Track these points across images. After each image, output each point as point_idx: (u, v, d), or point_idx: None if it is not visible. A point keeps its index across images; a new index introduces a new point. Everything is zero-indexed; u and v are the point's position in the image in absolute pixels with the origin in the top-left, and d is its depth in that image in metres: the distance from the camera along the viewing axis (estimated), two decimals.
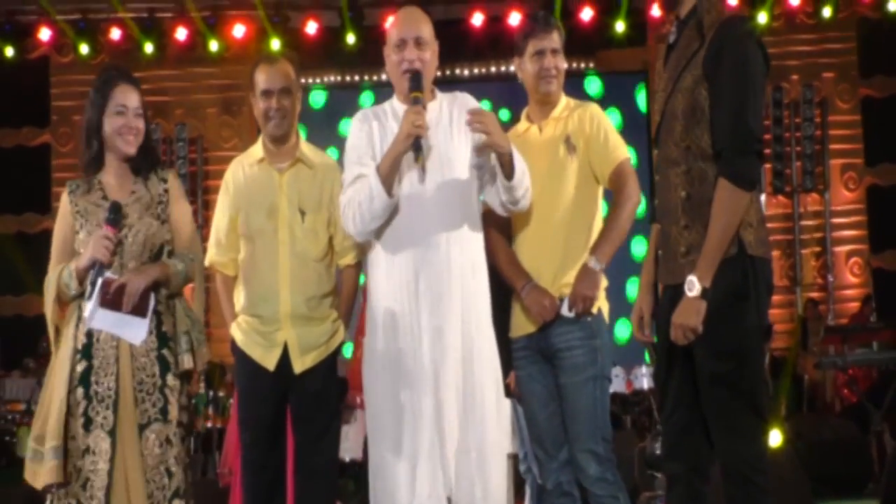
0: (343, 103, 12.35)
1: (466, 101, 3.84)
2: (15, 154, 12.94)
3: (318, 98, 12.93)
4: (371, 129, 3.78)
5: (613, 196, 3.99)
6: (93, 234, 3.72)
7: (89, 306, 3.67)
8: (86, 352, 3.69)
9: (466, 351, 3.64)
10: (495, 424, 3.67)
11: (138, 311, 3.71)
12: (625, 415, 9.76)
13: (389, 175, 3.61)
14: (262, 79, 4.10)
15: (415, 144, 3.58)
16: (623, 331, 11.21)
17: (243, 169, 4.17)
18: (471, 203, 3.76)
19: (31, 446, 3.66)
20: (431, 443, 3.56)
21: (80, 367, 3.68)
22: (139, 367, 3.71)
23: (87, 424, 3.64)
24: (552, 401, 3.94)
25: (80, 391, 3.65)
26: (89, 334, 3.70)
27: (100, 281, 3.66)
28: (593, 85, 12.89)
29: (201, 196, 12.74)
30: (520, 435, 4.89)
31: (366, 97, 12.55)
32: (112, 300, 3.67)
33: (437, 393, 3.58)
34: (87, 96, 3.87)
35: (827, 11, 12.17)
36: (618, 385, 9.66)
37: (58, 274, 3.73)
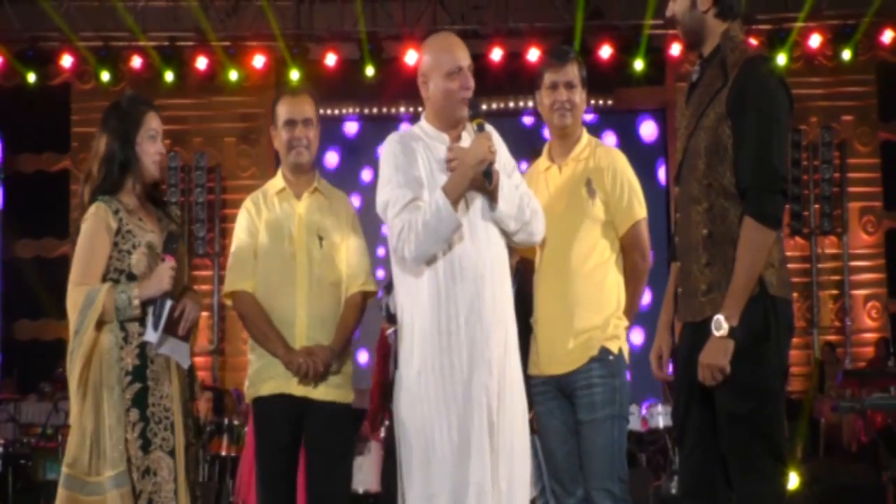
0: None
1: (493, 132, 3.84)
2: (35, 179, 13.00)
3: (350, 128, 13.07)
4: (415, 151, 3.74)
5: (624, 256, 3.99)
6: (146, 260, 3.73)
7: (154, 333, 3.68)
8: (139, 373, 3.68)
9: (502, 385, 3.63)
10: (524, 459, 3.68)
11: (186, 336, 3.78)
12: (640, 453, 9.67)
13: (459, 198, 3.62)
14: (285, 110, 4.17)
15: (486, 170, 3.60)
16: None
17: (264, 198, 4.23)
18: (502, 237, 3.77)
19: (64, 472, 3.61)
20: (483, 475, 3.52)
21: (132, 389, 3.66)
22: (181, 391, 3.76)
23: (146, 446, 3.65)
24: (571, 437, 3.92)
25: (135, 412, 3.65)
26: (142, 356, 3.69)
27: (167, 308, 3.68)
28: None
29: (219, 224, 12.76)
30: (538, 470, 4.85)
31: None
32: (170, 326, 3.72)
33: (490, 422, 3.57)
34: (105, 125, 3.85)
35: (846, 54, 12.16)
36: (633, 423, 9.59)
37: (104, 295, 3.66)
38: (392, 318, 4.27)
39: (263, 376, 4.09)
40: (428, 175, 3.68)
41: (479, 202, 3.69)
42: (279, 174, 4.28)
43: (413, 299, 3.70)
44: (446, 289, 3.62)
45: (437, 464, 3.57)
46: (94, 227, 3.73)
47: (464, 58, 3.74)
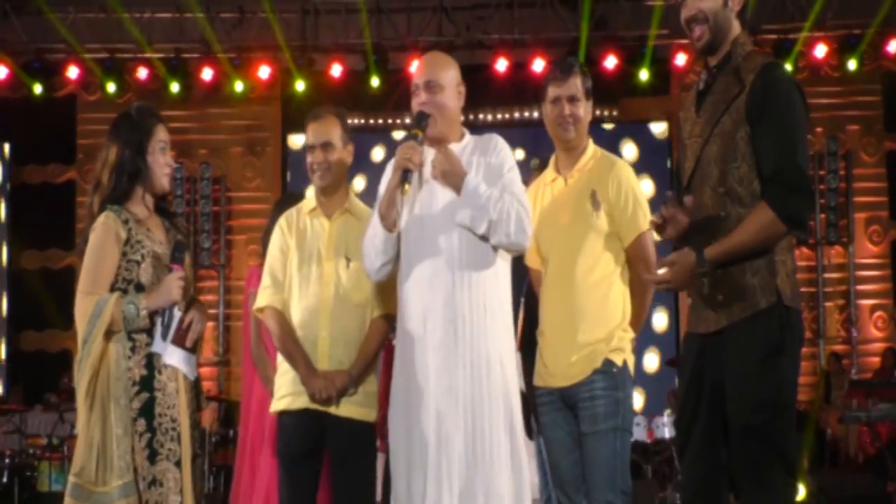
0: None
1: (488, 144, 3.86)
2: (41, 190, 13.03)
3: None
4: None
5: (629, 268, 3.98)
6: (154, 271, 3.72)
7: (163, 344, 3.69)
8: (146, 384, 3.66)
9: (475, 390, 3.63)
10: (507, 467, 3.64)
11: (193, 347, 3.78)
12: (646, 464, 9.65)
13: (387, 209, 3.73)
14: (307, 134, 4.26)
15: (403, 177, 3.67)
16: (637, 401, 11.34)
17: (297, 216, 4.29)
18: (483, 245, 3.73)
19: (71, 481, 3.59)
20: (431, 483, 3.59)
21: (140, 399, 3.65)
22: (188, 402, 3.76)
23: (153, 456, 3.64)
24: (575, 448, 3.91)
25: (142, 422, 3.64)
26: (150, 366, 3.68)
27: (175, 319, 3.69)
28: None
29: (224, 235, 12.78)
30: (544, 478, 4.85)
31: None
32: (178, 337, 3.73)
33: (439, 434, 3.60)
34: (115, 135, 3.84)
35: (852, 65, 12.16)
36: (639, 434, 9.58)
37: (112, 305, 3.64)
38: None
39: (289, 391, 4.14)
40: (414, 190, 3.78)
41: (443, 211, 3.73)
42: (313, 193, 4.34)
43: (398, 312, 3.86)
44: (408, 302, 3.74)
45: (396, 474, 3.71)
46: (103, 236, 3.72)
47: (418, 76, 3.83)
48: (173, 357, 3.71)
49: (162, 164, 3.84)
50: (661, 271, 3.24)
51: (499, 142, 3.86)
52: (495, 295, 3.75)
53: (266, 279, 4.25)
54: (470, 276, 3.69)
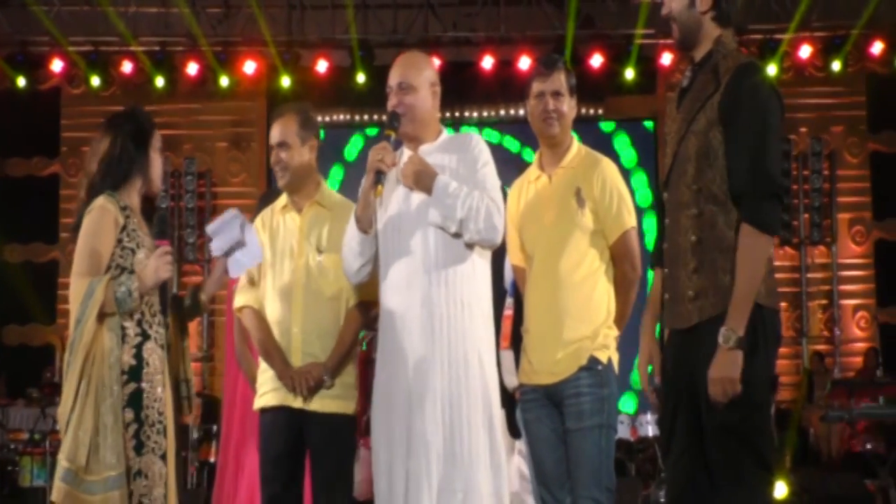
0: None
1: (461, 142, 3.89)
2: (25, 184, 12.95)
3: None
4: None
5: (614, 265, 3.99)
6: (148, 255, 3.72)
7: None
8: (135, 374, 3.66)
9: (454, 388, 3.65)
10: (486, 465, 3.66)
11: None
12: (629, 462, 9.68)
13: (363, 211, 3.79)
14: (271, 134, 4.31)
15: (376, 178, 3.70)
16: (629, 405, 11.32)
17: (271, 215, 4.34)
18: (458, 243, 3.74)
19: (64, 466, 3.58)
20: (412, 481, 3.62)
21: (128, 389, 3.65)
22: (174, 396, 3.80)
23: (139, 448, 3.64)
24: (560, 445, 3.92)
25: (129, 413, 3.64)
26: (139, 357, 3.68)
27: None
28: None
29: None
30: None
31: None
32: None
33: (411, 431, 3.64)
34: (117, 127, 3.83)
35: (836, 66, 12.21)
36: (623, 432, 9.60)
37: (104, 286, 3.62)
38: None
39: (267, 388, 4.16)
40: (389, 190, 3.81)
41: (417, 211, 3.76)
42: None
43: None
44: (386, 298, 3.79)
45: (381, 465, 3.75)
46: (100, 218, 3.71)
47: (391, 78, 3.90)
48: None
49: (157, 165, 3.87)
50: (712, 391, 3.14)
51: (473, 139, 3.90)
52: (473, 292, 3.76)
53: (243, 279, 4.28)
54: (446, 275, 3.72)
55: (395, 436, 3.68)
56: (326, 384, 4.05)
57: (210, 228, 3.98)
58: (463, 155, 3.83)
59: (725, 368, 3.09)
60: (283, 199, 4.34)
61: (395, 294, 3.75)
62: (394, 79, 3.89)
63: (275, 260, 4.20)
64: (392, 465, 3.68)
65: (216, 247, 3.94)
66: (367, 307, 4.13)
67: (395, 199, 3.82)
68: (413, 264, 3.73)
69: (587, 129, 10.47)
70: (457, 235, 3.72)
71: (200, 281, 3.91)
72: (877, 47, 12.20)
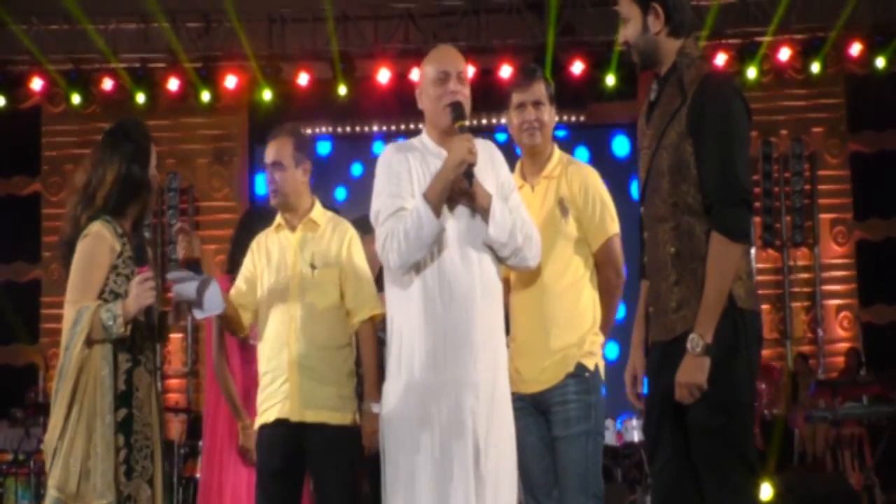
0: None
1: (491, 152, 3.83)
2: (5, 203, 12.88)
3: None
4: (409, 162, 3.70)
5: (598, 272, 4.01)
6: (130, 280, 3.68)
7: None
8: (125, 399, 3.66)
9: (490, 409, 3.60)
10: (510, 486, 3.65)
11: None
12: (615, 467, 9.68)
13: (440, 202, 3.55)
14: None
15: (467, 172, 3.56)
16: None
17: (265, 238, 4.38)
18: (496, 261, 3.73)
19: (54, 495, 3.56)
20: (466, 502, 3.50)
21: (119, 415, 3.64)
22: (160, 419, 3.79)
23: (129, 473, 3.63)
24: (547, 453, 3.93)
25: (120, 438, 3.63)
26: (128, 382, 3.66)
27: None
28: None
29: None
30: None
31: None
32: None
33: (475, 447, 3.54)
34: (115, 145, 3.77)
35: (815, 67, 12.26)
36: (608, 437, 9.60)
37: (91, 313, 3.59)
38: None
39: (264, 406, 4.23)
40: (420, 187, 3.63)
41: (472, 224, 3.66)
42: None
43: (403, 315, 3.65)
44: (435, 309, 3.58)
45: (419, 485, 3.53)
46: (96, 245, 3.66)
47: (450, 65, 3.71)
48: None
49: (156, 183, 3.86)
50: (678, 394, 3.17)
51: (496, 151, 3.86)
52: (501, 310, 3.76)
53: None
54: (491, 291, 3.67)
55: (439, 455, 3.53)
56: (375, 410, 4.02)
57: (171, 276, 3.90)
58: (495, 167, 3.79)
59: (692, 374, 3.12)
60: (278, 218, 4.38)
61: (450, 307, 3.58)
62: (453, 66, 3.70)
63: (270, 279, 4.25)
64: (445, 481, 3.52)
65: (175, 290, 3.87)
66: (373, 322, 4.22)
67: (449, 210, 3.65)
68: (472, 277, 3.62)
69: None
70: (500, 258, 3.70)
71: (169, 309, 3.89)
72: (855, 48, 12.26)
